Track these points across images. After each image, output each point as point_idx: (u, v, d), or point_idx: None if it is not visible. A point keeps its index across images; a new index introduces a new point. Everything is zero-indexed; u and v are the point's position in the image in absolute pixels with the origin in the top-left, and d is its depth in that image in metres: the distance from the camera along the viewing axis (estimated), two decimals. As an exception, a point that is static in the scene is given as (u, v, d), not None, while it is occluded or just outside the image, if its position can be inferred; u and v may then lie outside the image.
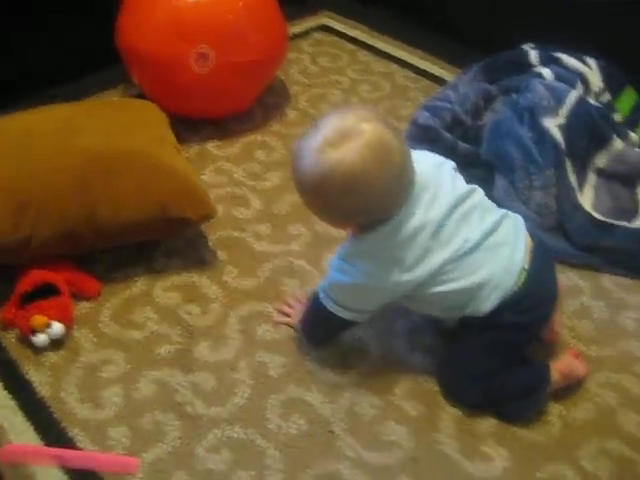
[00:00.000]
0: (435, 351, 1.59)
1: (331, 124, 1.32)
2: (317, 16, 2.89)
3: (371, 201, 1.32)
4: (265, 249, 1.83)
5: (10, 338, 1.59)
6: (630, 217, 1.88)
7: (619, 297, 1.75)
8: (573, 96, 1.92)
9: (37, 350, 1.56)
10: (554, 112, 1.89)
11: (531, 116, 1.91)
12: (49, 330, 1.55)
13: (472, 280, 1.40)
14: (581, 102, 1.92)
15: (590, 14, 2.25)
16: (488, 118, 2.05)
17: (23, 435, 1.42)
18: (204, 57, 1.98)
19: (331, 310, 1.47)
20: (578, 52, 2.10)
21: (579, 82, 2.02)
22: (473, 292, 1.41)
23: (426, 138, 1.95)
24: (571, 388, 1.52)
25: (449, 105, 2.02)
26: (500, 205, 1.53)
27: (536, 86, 1.94)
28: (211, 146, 2.16)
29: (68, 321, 1.60)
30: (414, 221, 1.37)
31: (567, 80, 2.01)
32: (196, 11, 1.98)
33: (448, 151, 1.89)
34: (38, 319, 1.54)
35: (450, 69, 2.55)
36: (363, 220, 1.38)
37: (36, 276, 1.62)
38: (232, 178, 2.05)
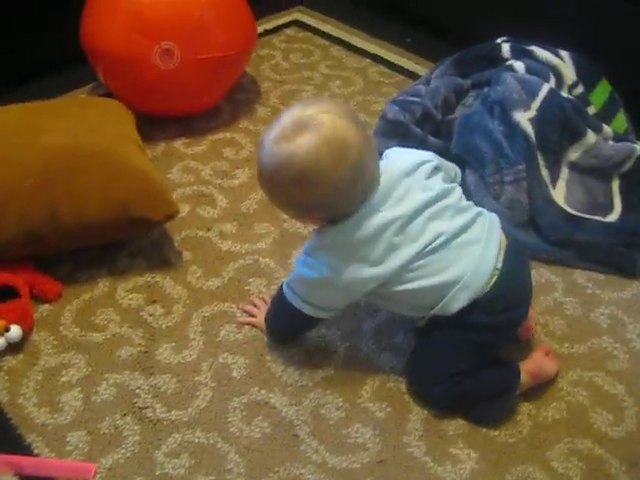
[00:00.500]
0: (403, 351, 1.56)
1: (291, 115, 1.31)
2: (289, 11, 2.85)
3: (327, 195, 1.30)
4: (231, 248, 1.80)
5: (-34, 342, 1.55)
6: (604, 211, 1.86)
7: (592, 293, 1.72)
8: (545, 89, 1.89)
9: (-6, 355, 1.53)
10: (525, 105, 1.86)
11: (502, 110, 1.87)
12: (7, 334, 1.52)
13: (441, 278, 1.37)
14: (553, 95, 1.89)
15: (564, 6, 2.23)
16: (460, 112, 2.01)
17: (-23, 443, 1.39)
18: (169, 53, 1.94)
19: (296, 306, 1.44)
20: (552, 45, 2.07)
21: (552, 75, 1.99)
22: (442, 291, 1.38)
23: (396, 133, 1.92)
24: (542, 387, 1.50)
25: (419, 99, 1.99)
26: (471, 200, 1.50)
27: (507, 79, 1.90)
28: (179, 144, 2.13)
29: (27, 324, 1.56)
30: (378, 219, 1.34)
31: (539, 73, 1.97)
32: (159, 7, 1.95)
33: (418, 146, 1.86)
34: (-5, 323, 1.51)
35: (425, 64, 2.52)
36: (322, 215, 1.36)
37: (-6, 278, 1.58)
38: (199, 176, 2.01)
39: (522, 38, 2.10)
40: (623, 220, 1.84)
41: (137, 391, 1.48)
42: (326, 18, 2.81)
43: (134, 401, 1.46)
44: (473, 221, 1.42)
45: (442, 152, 1.87)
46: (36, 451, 1.37)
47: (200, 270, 1.73)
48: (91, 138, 1.71)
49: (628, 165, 1.91)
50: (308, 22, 2.79)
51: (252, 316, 1.62)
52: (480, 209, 1.47)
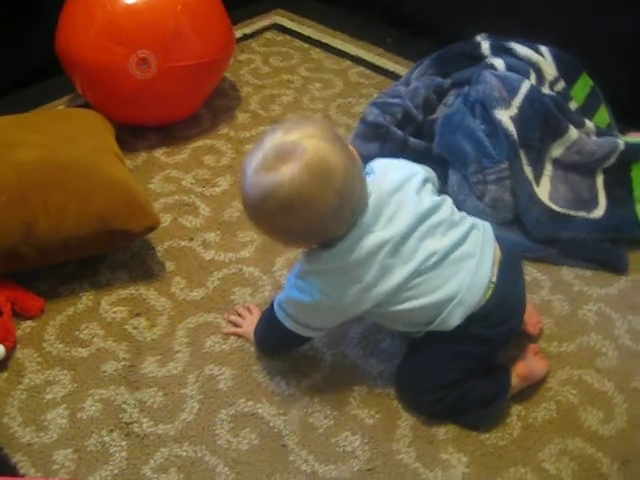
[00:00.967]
0: (390, 356, 1.55)
1: (272, 141, 1.27)
2: (268, 15, 2.83)
3: (315, 221, 1.27)
4: (214, 258, 1.78)
5: (-52, 362, 1.53)
6: (589, 207, 1.85)
7: (579, 290, 1.72)
8: (526, 86, 1.88)
9: (-23, 374, 1.51)
10: (506, 103, 1.85)
11: (483, 108, 1.86)
12: (-11, 353, 1.50)
13: (437, 296, 1.35)
14: (534, 92, 1.88)
15: (544, 2, 2.22)
16: (441, 112, 2.00)
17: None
18: (145, 62, 1.92)
19: (289, 327, 1.42)
20: (532, 41, 2.06)
21: (532, 72, 1.98)
22: (438, 308, 1.36)
23: (376, 136, 1.90)
24: (531, 387, 1.49)
25: (400, 101, 1.97)
26: (454, 200, 1.48)
27: (487, 77, 1.89)
28: (159, 153, 2.10)
29: (10, 342, 1.54)
30: (371, 239, 1.32)
31: (520, 70, 1.96)
32: (133, 16, 1.92)
33: (399, 148, 1.86)
34: (-23, 342, 1.49)
35: (405, 64, 2.50)
36: (312, 241, 1.34)
37: (-26, 297, 1.56)
38: (180, 186, 1.99)
39: (502, 35, 2.09)
40: (608, 216, 1.83)
41: (123, 406, 1.46)
42: (305, 20, 2.79)
43: (120, 416, 1.44)
44: (467, 235, 1.40)
45: (424, 153, 1.88)
46: (22, 471, 1.35)
47: (184, 281, 1.72)
48: (67, 151, 1.69)
49: (612, 160, 1.90)
50: (287, 25, 2.77)
51: (237, 326, 1.60)
52: (473, 220, 1.44)
